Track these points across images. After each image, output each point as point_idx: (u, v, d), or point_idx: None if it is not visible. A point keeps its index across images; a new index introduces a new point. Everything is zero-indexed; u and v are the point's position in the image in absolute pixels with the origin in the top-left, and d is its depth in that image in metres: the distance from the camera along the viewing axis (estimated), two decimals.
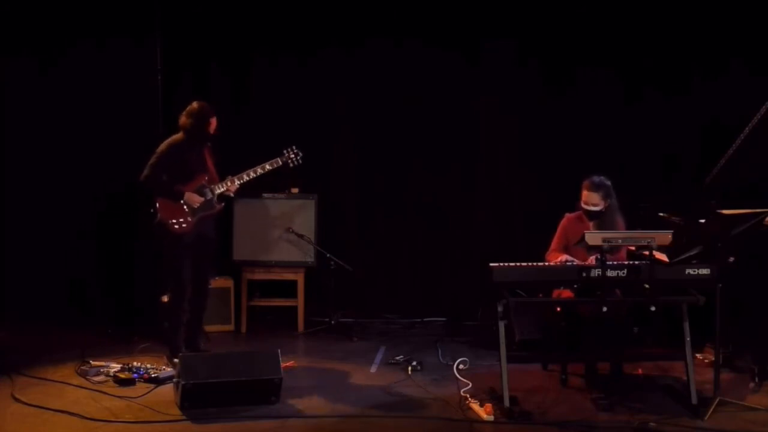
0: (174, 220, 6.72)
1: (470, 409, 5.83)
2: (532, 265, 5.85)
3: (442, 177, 8.53)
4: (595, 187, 6.27)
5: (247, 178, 6.96)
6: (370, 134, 8.56)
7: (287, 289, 8.25)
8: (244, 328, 8.10)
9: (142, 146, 6.93)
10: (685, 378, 5.95)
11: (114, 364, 6.64)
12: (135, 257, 8.18)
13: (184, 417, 5.68)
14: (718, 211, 6.19)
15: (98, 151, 8.13)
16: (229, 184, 6.90)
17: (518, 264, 5.81)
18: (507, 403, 5.75)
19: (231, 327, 8.06)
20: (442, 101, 8.44)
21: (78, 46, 8.18)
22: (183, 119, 6.75)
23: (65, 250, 8.31)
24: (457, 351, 7.21)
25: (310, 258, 8.14)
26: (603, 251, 5.70)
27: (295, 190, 8.20)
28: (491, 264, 5.78)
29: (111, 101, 8.14)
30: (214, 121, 6.77)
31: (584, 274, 5.78)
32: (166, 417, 5.69)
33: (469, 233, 8.56)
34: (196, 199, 6.76)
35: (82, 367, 6.62)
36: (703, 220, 6.17)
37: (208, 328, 7.72)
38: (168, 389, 6.11)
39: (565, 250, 6.31)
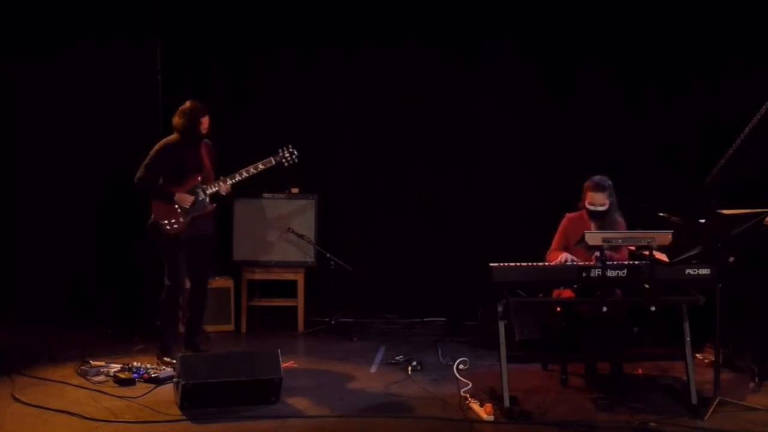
0: (166, 221, 6.72)
1: (470, 409, 5.83)
2: (532, 265, 5.85)
3: (442, 177, 8.53)
4: (600, 188, 6.29)
5: (240, 178, 6.93)
6: (370, 134, 8.56)
7: (287, 289, 8.25)
8: (244, 328, 8.10)
9: (142, 146, 6.92)
10: (685, 378, 5.95)
11: (114, 364, 6.64)
12: (135, 257, 8.18)
13: (184, 417, 5.68)
14: (718, 211, 6.19)
15: (98, 151, 8.13)
16: (221, 184, 6.87)
17: (518, 264, 5.81)
18: (507, 403, 5.75)
19: (231, 327, 8.06)
20: (442, 101, 8.44)
21: (78, 46, 8.18)
22: (176, 119, 6.75)
23: (65, 250, 8.32)
24: (457, 351, 7.21)
25: (310, 258, 8.14)
26: (603, 251, 5.71)
27: (295, 190, 8.20)
28: (491, 264, 5.78)
29: (111, 101, 8.14)
30: (206, 121, 6.74)
31: (584, 274, 5.78)
32: (166, 417, 5.68)
33: (469, 233, 8.56)
34: (187, 200, 6.75)
35: (82, 367, 6.62)
36: (703, 220, 6.18)
37: (208, 328, 7.73)
38: (168, 389, 6.11)
39: (566, 249, 6.30)
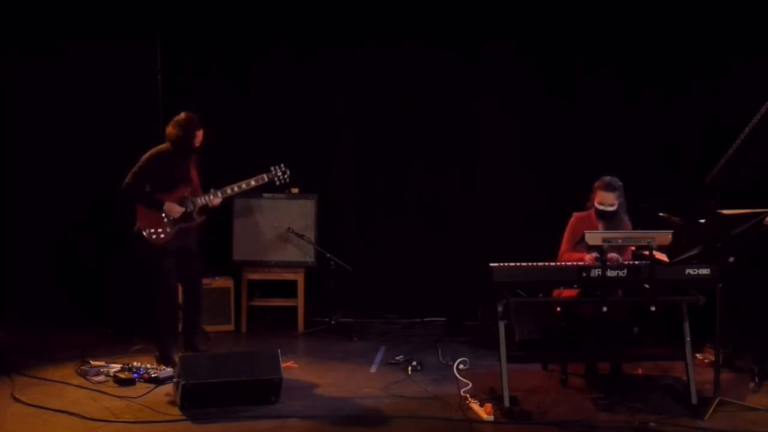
0: (152, 230, 6.63)
1: (470, 409, 5.83)
2: (532, 265, 5.85)
3: (442, 177, 8.53)
4: (611, 188, 6.29)
5: (231, 192, 6.88)
6: (370, 134, 8.56)
7: (287, 289, 8.25)
8: (244, 328, 8.10)
9: (142, 147, 6.91)
10: (685, 378, 5.95)
11: (114, 364, 6.64)
12: (135, 257, 8.16)
13: (184, 417, 5.68)
14: (718, 211, 6.19)
15: (98, 151, 8.11)
16: (211, 197, 6.80)
17: (518, 264, 5.81)
18: (507, 403, 5.75)
19: (231, 327, 8.06)
20: (442, 101, 8.44)
21: (78, 45, 8.18)
22: (170, 129, 6.63)
23: (65, 250, 8.32)
24: (457, 351, 7.21)
25: (310, 258, 8.14)
26: (603, 251, 5.71)
27: (295, 190, 8.20)
28: (491, 264, 5.78)
29: (111, 101, 8.14)
30: (200, 134, 6.63)
31: (584, 274, 5.78)
32: (166, 417, 5.68)
33: (469, 233, 8.56)
34: (176, 210, 6.67)
35: (82, 367, 6.62)
36: (703, 220, 6.18)
37: (208, 328, 7.73)
38: (168, 389, 6.11)
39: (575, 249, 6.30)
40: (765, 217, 5.95)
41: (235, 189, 6.89)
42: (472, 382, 6.30)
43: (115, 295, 8.18)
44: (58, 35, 8.18)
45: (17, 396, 6.01)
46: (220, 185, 6.88)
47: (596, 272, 5.75)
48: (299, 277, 8.15)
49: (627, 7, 8.12)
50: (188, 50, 8.32)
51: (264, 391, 5.89)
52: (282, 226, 8.12)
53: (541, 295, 6.15)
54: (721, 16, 7.94)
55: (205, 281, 7.40)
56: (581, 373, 6.43)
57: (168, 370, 6.42)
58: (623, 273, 5.80)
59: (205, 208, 6.83)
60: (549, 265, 6.00)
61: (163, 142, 6.74)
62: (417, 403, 6.02)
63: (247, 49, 8.46)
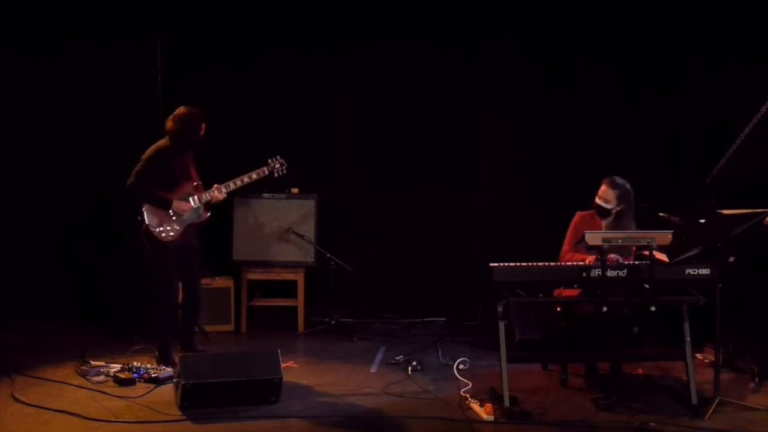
0: (161, 228, 6.64)
1: (470, 409, 5.83)
2: (533, 265, 5.85)
3: (442, 176, 8.52)
4: (614, 185, 6.29)
5: (234, 187, 6.90)
6: (370, 134, 8.56)
7: (287, 289, 8.25)
8: (244, 328, 8.09)
9: (142, 146, 6.91)
10: (685, 378, 5.95)
11: (114, 364, 6.64)
12: (135, 256, 8.16)
13: (184, 417, 5.68)
14: (718, 211, 6.19)
15: (99, 151, 8.12)
16: (216, 193, 6.81)
17: (518, 264, 5.81)
18: (507, 403, 5.75)
19: (231, 327, 8.06)
20: (442, 101, 8.44)
21: (78, 46, 8.18)
22: (169, 124, 6.64)
23: (65, 250, 8.31)
24: (457, 351, 7.20)
25: (310, 258, 8.14)
26: (603, 251, 5.71)
27: (295, 190, 8.20)
28: (491, 264, 5.78)
29: (111, 101, 8.14)
30: (202, 128, 6.66)
31: (584, 274, 5.78)
32: (166, 417, 5.69)
33: (469, 233, 8.56)
34: (185, 207, 6.69)
35: (82, 367, 6.62)
36: (703, 220, 6.18)
37: (208, 328, 7.73)
38: (168, 389, 6.11)
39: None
40: (765, 217, 5.95)
41: (238, 183, 6.91)
42: (472, 382, 6.30)
43: (115, 295, 8.18)
44: (58, 35, 8.18)
45: (17, 396, 6.01)
46: (220, 183, 6.89)
47: (596, 272, 5.75)
48: (299, 277, 8.15)
49: (627, 7, 8.12)
50: (188, 50, 8.31)
51: (264, 391, 5.89)
52: (282, 226, 8.12)
53: (541, 295, 6.14)
54: (721, 15, 7.94)
55: (204, 281, 7.42)
56: (581, 373, 6.43)
57: (168, 370, 6.42)
58: (623, 273, 5.80)
59: (209, 204, 6.84)
60: (549, 265, 6.00)
61: (150, 147, 6.74)
62: (417, 403, 6.02)
63: (247, 50, 8.46)
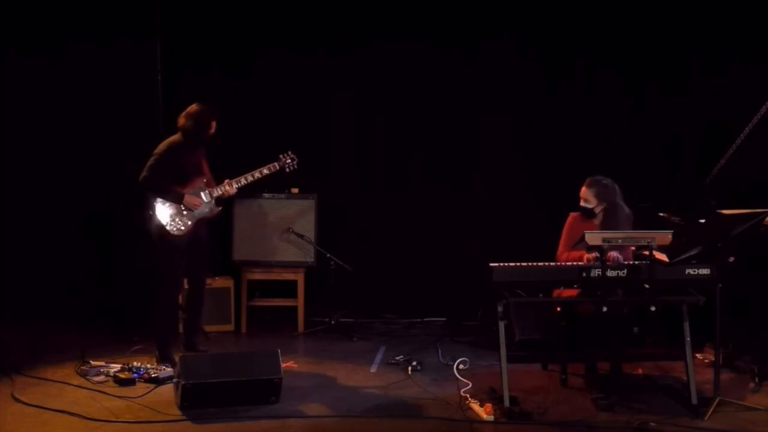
0: (173, 223, 6.67)
1: (470, 409, 5.83)
2: (532, 265, 5.85)
3: (442, 176, 8.52)
4: (590, 184, 6.34)
5: (245, 182, 6.95)
6: (370, 134, 8.57)
7: (287, 289, 8.25)
8: (244, 328, 8.10)
9: (142, 146, 6.91)
10: (685, 378, 5.94)
11: (114, 364, 6.64)
12: (135, 256, 8.18)
13: (184, 417, 5.68)
14: (718, 211, 6.18)
15: (99, 151, 8.13)
16: (227, 187, 6.86)
17: (518, 264, 5.81)
18: (507, 403, 5.75)
19: (231, 327, 8.06)
20: (442, 101, 8.44)
21: (78, 45, 8.18)
22: (182, 120, 6.68)
23: (66, 250, 8.32)
24: (457, 351, 7.20)
25: (310, 258, 8.14)
26: (603, 251, 5.71)
27: (295, 190, 8.20)
28: (491, 264, 5.78)
29: (111, 101, 8.14)
30: (213, 125, 6.71)
31: (584, 274, 5.78)
32: (166, 417, 5.69)
33: (469, 233, 8.56)
34: (196, 202, 6.73)
35: (82, 367, 6.62)
36: (703, 220, 6.18)
37: (208, 328, 7.73)
38: (168, 389, 6.11)
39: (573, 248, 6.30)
40: (765, 217, 5.95)
41: (249, 178, 6.95)
42: (472, 382, 6.30)
43: (115, 295, 8.19)
44: (58, 35, 8.18)
45: (17, 396, 6.01)
46: (220, 182, 6.90)
47: (596, 272, 5.75)
48: (299, 277, 8.15)
49: (627, 7, 8.12)
50: (188, 50, 8.32)
51: (264, 391, 5.89)
52: (282, 226, 8.12)
53: (541, 295, 6.14)
54: (721, 15, 7.94)
55: None
56: (581, 373, 6.42)
57: (168, 370, 6.42)
58: (623, 273, 5.80)
59: (221, 199, 6.86)
60: (549, 265, 6.00)
61: (163, 142, 6.76)
62: (417, 403, 6.02)
63: (247, 49, 8.46)
